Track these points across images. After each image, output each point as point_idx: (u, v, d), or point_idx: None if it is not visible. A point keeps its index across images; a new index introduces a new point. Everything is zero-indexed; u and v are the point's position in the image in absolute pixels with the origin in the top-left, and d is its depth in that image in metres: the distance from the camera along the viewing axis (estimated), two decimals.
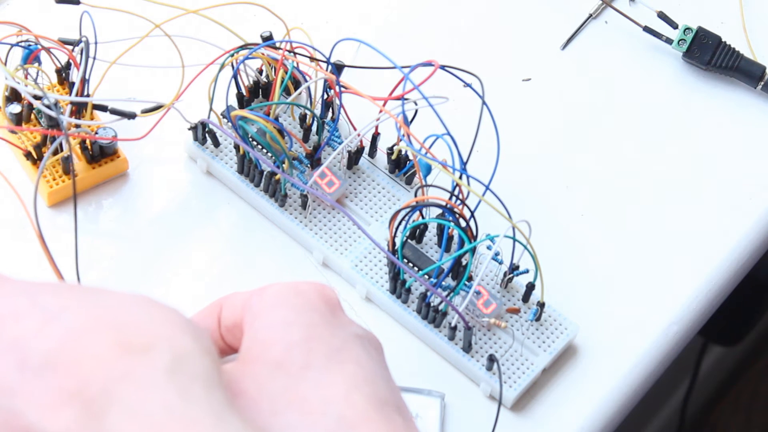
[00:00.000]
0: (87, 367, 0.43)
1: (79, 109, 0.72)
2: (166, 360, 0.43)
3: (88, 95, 0.72)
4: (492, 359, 0.68)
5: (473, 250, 0.68)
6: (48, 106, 0.69)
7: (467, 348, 0.69)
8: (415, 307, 0.70)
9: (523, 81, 0.82)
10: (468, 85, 0.70)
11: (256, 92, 0.76)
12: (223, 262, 0.73)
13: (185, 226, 0.74)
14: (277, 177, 0.72)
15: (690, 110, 0.82)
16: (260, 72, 0.75)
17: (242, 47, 0.72)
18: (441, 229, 0.71)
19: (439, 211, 0.69)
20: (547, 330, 0.70)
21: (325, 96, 0.74)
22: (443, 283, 0.69)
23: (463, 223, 0.68)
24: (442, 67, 0.70)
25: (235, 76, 0.73)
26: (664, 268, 0.75)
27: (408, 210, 0.69)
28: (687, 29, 0.82)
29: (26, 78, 0.72)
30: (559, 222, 0.76)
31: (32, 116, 0.73)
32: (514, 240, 0.68)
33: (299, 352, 0.48)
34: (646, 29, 0.83)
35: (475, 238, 0.69)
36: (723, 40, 0.82)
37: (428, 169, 0.71)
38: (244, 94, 0.75)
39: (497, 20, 0.85)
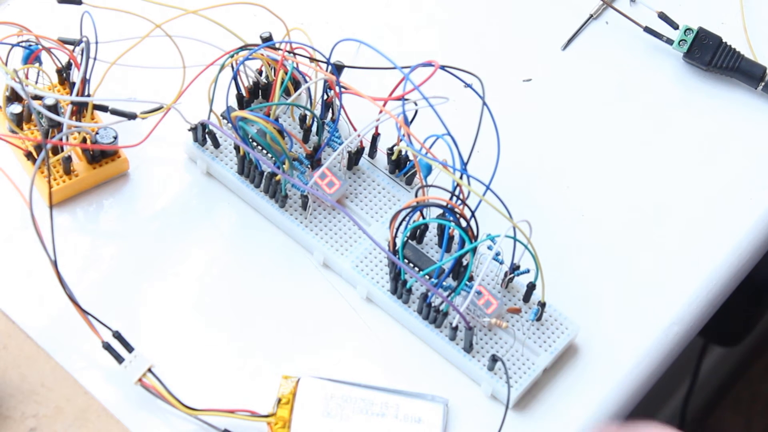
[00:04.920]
0: None
1: (79, 110, 0.72)
2: None
3: (88, 95, 0.72)
4: (495, 359, 0.68)
5: (474, 250, 0.68)
6: (47, 108, 0.69)
7: (468, 348, 0.69)
8: (416, 307, 0.70)
9: (524, 81, 0.82)
10: (468, 85, 0.70)
11: (256, 93, 0.76)
12: (223, 262, 0.73)
13: (185, 226, 0.74)
14: (277, 178, 0.72)
15: (690, 111, 0.82)
16: (260, 73, 0.75)
17: (242, 48, 0.72)
18: (442, 229, 0.71)
19: (440, 211, 0.69)
20: (548, 330, 0.70)
21: (325, 96, 0.74)
22: (444, 283, 0.69)
23: (463, 223, 0.68)
24: (442, 68, 0.70)
25: (235, 77, 0.73)
26: (664, 268, 0.75)
27: (408, 210, 0.69)
28: (687, 30, 0.82)
29: (26, 78, 0.72)
30: (559, 222, 0.76)
31: (33, 116, 0.73)
32: (515, 240, 0.68)
33: None
34: (647, 30, 0.83)
35: (475, 238, 0.69)
36: (723, 40, 0.82)
37: (429, 170, 0.71)
38: (244, 94, 0.75)
39: (497, 21, 0.85)
